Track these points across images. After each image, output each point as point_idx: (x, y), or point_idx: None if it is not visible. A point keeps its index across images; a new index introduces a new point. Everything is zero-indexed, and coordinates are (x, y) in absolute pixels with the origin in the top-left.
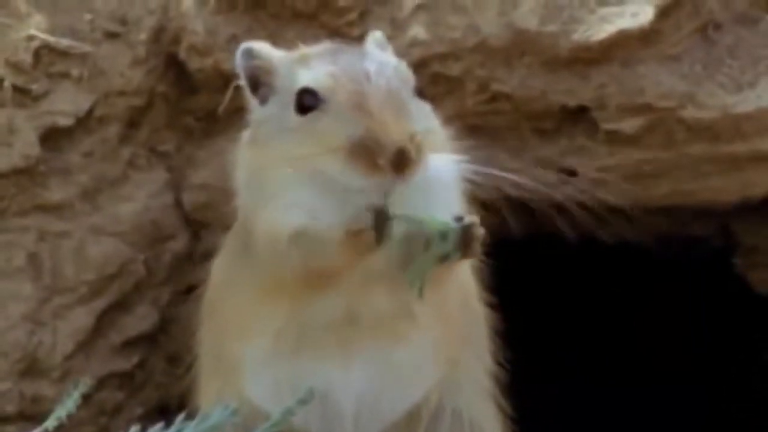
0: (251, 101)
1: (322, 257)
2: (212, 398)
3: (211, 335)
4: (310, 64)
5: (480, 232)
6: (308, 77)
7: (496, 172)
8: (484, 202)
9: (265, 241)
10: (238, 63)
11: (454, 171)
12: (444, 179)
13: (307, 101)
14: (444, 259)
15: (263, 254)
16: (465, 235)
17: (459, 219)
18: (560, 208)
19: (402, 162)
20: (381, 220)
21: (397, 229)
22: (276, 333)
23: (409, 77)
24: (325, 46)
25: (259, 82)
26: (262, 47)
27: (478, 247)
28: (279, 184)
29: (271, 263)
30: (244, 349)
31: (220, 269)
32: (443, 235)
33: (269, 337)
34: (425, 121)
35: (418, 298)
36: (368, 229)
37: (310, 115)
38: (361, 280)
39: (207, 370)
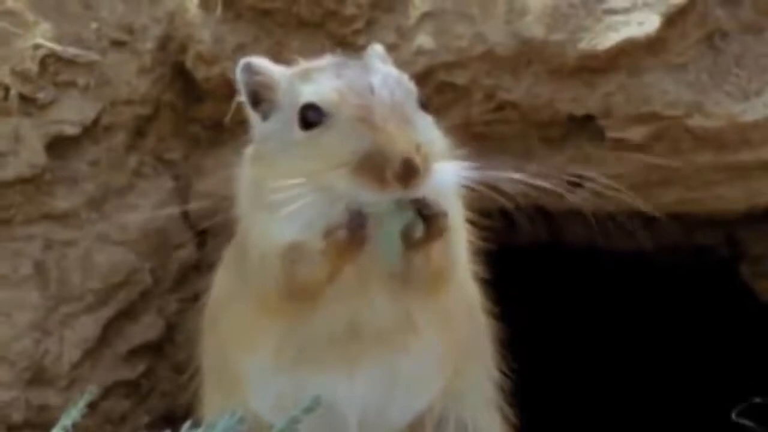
0: (253, 117)
1: (307, 269)
2: (216, 410)
3: (213, 348)
4: (313, 79)
5: (439, 209)
6: (311, 92)
7: (505, 174)
8: (490, 210)
9: (257, 255)
10: (239, 78)
11: (460, 179)
12: (450, 188)
13: (311, 116)
14: (409, 233)
15: (254, 268)
16: (422, 207)
17: (417, 200)
18: (566, 216)
19: (409, 173)
20: (357, 220)
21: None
22: (277, 347)
23: (412, 89)
24: (326, 60)
25: (260, 97)
26: (262, 62)
27: (441, 221)
28: (285, 199)
29: (260, 277)
30: (246, 363)
31: (220, 282)
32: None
33: (270, 351)
34: (429, 132)
35: (396, 263)
36: (342, 228)
37: (314, 131)
38: (360, 292)
39: (210, 382)
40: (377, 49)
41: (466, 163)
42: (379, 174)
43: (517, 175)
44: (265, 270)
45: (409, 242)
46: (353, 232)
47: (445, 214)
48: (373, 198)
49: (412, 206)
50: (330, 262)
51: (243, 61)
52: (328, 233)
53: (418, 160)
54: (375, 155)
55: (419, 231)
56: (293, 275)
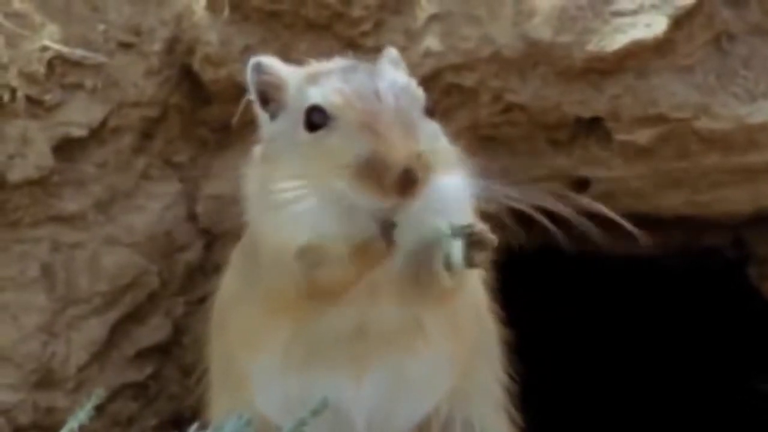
0: (261, 116)
1: (330, 272)
2: (223, 412)
3: (220, 350)
4: (320, 82)
5: (490, 238)
6: (317, 95)
7: (505, 190)
8: (493, 216)
9: (270, 256)
10: (249, 77)
11: (463, 189)
12: (452, 197)
13: (315, 119)
14: (449, 263)
15: (268, 269)
16: (472, 237)
17: (468, 226)
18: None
19: (408, 183)
20: (387, 229)
21: (403, 239)
22: (284, 348)
23: (419, 96)
24: (336, 63)
25: (269, 97)
26: (272, 62)
27: (486, 254)
28: (286, 199)
29: (275, 278)
30: (253, 364)
31: (227, 284)
32: (450, 234)
33: (278, 352)
34: (434, 140)
35: (407, 272)
36: (377, 239)
37: (318, 133)
38: (369, 293)
39: (217, 384)
40: (391, 52)
41: (469, 174)
42: (378, 181)
43: (517, 193)
44: (279, 270)
45: (448, 266)
46: (385, 241)
47: (494, 244)
48: (370, 204)
49: (462, 232)
50: (357, 267)
51: (253, 60)
52: (359, 243)
53: (417, 169)
54: (375, 162)
55: (459, 255)
56: (315, 277)
